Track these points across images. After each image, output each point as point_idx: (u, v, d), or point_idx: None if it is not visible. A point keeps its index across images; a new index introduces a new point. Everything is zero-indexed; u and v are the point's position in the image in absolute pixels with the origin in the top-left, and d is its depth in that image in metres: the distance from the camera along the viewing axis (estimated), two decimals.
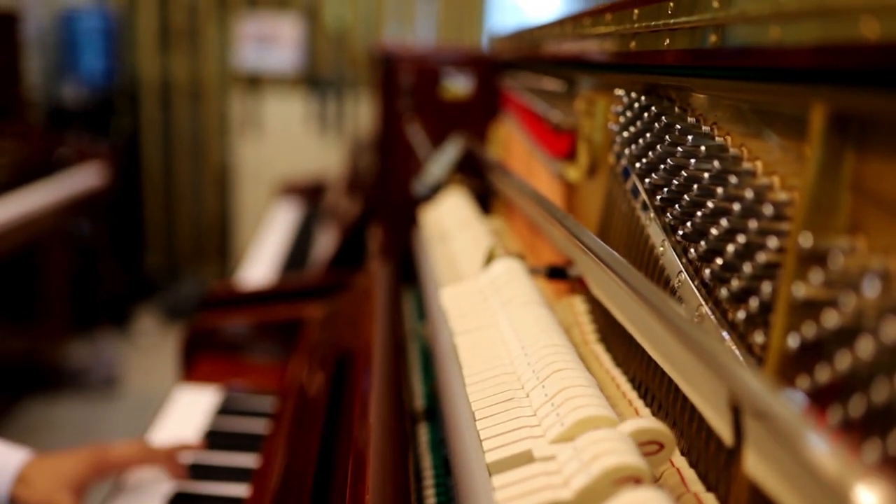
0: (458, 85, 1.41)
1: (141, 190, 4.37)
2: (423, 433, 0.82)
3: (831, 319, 0.36)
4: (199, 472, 1.06)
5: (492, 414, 0.56)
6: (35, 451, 1.03)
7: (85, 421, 3.02)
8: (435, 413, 0.86)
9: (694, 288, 0.54)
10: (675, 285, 0.57)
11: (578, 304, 0.79)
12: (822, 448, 0.31)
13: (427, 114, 1.42)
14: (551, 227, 0.85)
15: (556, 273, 0.81)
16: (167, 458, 1.02)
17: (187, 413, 1.25)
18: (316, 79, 4.11)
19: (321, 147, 3.87)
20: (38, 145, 3.17)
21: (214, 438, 1.16)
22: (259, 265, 2.09)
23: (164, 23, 4.31)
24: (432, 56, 1.42)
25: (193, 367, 1.43)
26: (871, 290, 0.34)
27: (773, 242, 0.43)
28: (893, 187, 0.35)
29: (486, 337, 0.69)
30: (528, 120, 1.12)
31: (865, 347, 0.34)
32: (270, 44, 3.93)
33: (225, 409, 1.26)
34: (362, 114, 3.98)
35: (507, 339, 0.67)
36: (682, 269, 0.56)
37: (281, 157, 3.85)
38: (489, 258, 0.82)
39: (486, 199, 1.36)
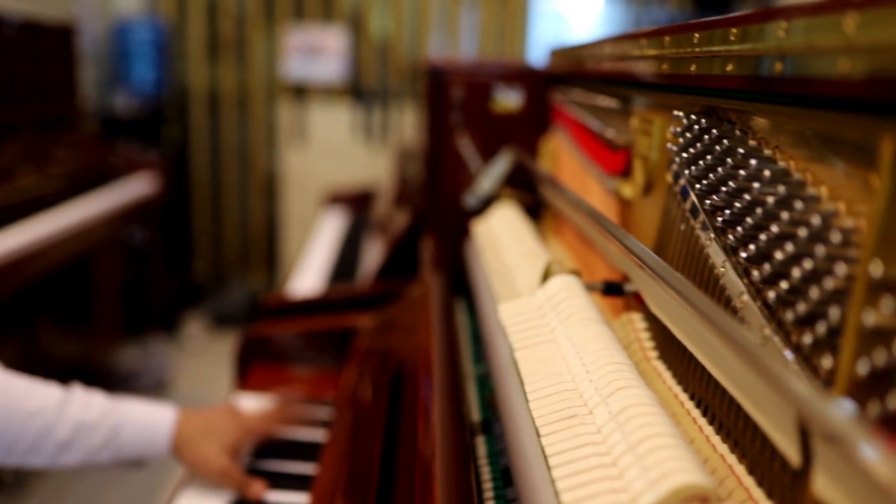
0: (509, 99, 1.42)
1: (189, 198, 4.45)
2: (481, 445, 0.83)
3: None
4: (260, 473, 1.08)
5: (556, 430, 0.57)
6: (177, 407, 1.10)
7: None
8: (491, 425, 0.87)
9: (757, 309, 0.55)
10: (737, 306, 0.58)
11: (637, 321, 0.80)
12: (894, 472, 0.32)
13: (477, 127, 1.44)
14: (606, 242, 0.86)
15: (613, 289, 0.82)
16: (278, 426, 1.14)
17: None
18: (361, 88, 4.16)
19: (366, 156, 3.91)
20: (93, 155, 3.25)
21: (270, 446, 1.18)
22: (308, 275, 2.12)
23: (212, 33, 4.39)
24: (482, 71, 1.44)
25: (247, 375, 1.46)
26: None
27: (840, 268, 0.44)
28: None
29: (546, 353, 0.71)
30: (580, 135, 1.13)
31: None
32: (316, 54, 3.99)
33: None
34: (407, 123, 4.02)
35: (566, 355, 0.68)
36: (745, 291, 0.57)
37: (326, 167, 3.89)
38: (546, 275, 0.83)
39: (535, 212, 1.37)
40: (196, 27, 4.34)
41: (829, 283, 0.44)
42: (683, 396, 0.68)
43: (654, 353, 0.76)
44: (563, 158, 1.30)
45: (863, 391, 0.41)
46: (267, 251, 4.58)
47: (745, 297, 0.56)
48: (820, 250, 0.46)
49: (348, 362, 1.34)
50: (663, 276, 0.63)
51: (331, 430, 1.13)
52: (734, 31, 0.56)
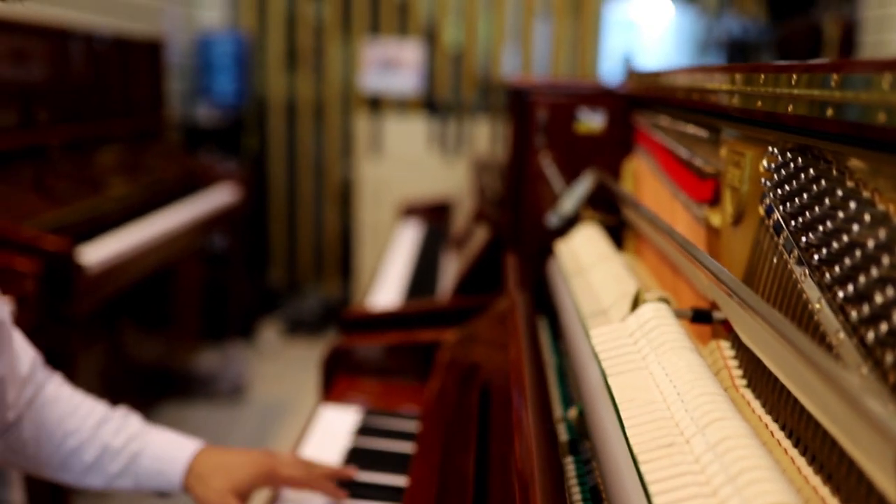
0: (592, 120, 1.45)
1: (266, 206, 4.57)
2: (570, 465, 0.86)
3: None
4: (347, 490, 1.13)
5: (654, 458, 0.60)
6: (205, 443, 1.11)
7: (214, 425, 3.19)
8: (578, 446, 0.90)
9: (853, 348, 0.56)
10: (833, 343, 0.60)
11: (725, 349, 0.82)
12: None
13: (560, 148, 1.47)
14: (693, 269, 0.88)
15: (702, 317, 0.84)
16: (326, 485, 1.09)
17: (330, 432, 1.33)
18: (435, 100, 4.22)
19: (440, 168, 3.96)
20: (179, 165, 3.38)
21: (357, 457, 1.23)
22: (386, 287, 2.17)
23: (290, 45, 4.52)
24: (565, 92, 1.46)
25: (332, 386, 1.51)
26: None
27: None
28: None
29: (639, 380, 0.73)
30: (665, 159, 1.15)
31: None
32: (392, 67, 4.06)
33: (365, 429, 1.33)
34: (480, 135, 4.06)
35: (660, 383, 0.70)
36: (841, 328, 0.58)
37: (401, 177, 3.96)
38: (636, 301, 0.86)
39: (616, 232, 1.39)
40: (275, 39, 4.46)
41: None
42: (773, 426, 0.70)
43: (742, 382, 0.78)
44: (645, 181, 1.31)
45: None
46: (341, 260, 4.67)
47: (842, 334, 0.58)
48: None
49: (432, 376, 1.38)
50: (757, 308, 0.65)
51: (419, 443, 1.17)
52: (835, 76, 0.58)
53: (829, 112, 0.58)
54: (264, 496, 1.14)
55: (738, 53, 6.59)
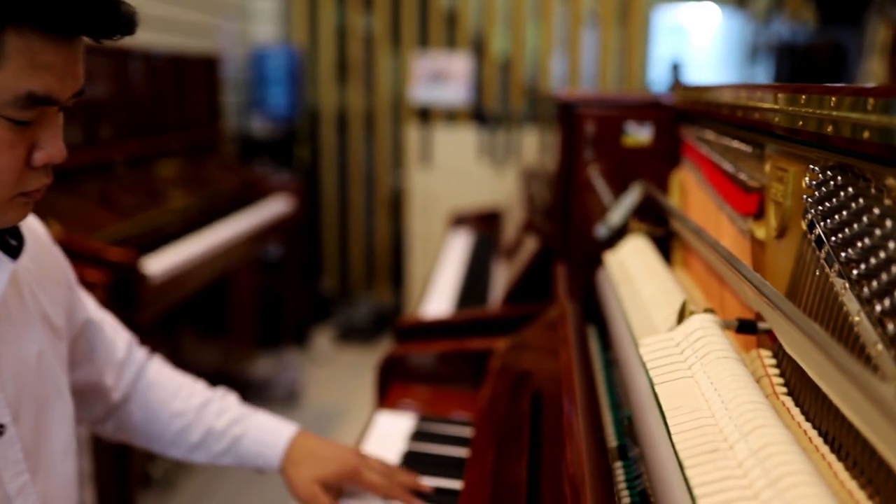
0: (640, 133, 1.48)
1: (319, 216, 4.67)
2: (619, 470, 0.89)
3: None
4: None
5: (699, 463, 0.63)
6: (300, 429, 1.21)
7: None
8: (626, 451, 0.93)
9: (891, 359, 0.59)
10: (871, 354, 0.62)
11: (767, 358, 0.85)
12: None
13: (608, 160, 1.50)
14: (738, 281, 0.91)
15: (747, 327, 0.87)
16: (405, 496, 1.14)
17: (386, 437, 1.38)
18: (483, 111, 4.27)
19: (490, 177, 4.01)
20: (235, 177, 3.48)
21: (412, 461, 1.28)
22: (437, 296, 2.22)
23: (341, 58, 4.61)
24: (613, 106, 1.50)
25: (387, 393, 1.56)
26: None
27: None
28: None
29: (685, 388, 0.76)
30: (711, 173, 1.18)
31: None
32: (441, 79, 4.11)
33: (419, 434, 1.38)
34: (529, 144, 4.10)
35: (705, 391, 0.74)
36: (879, 341, 0.61)
37: (450, 187, 4.01)
38: (682, 314, 0.89)
39: (664, 244, 1.41)
40: (326, 52, 4.56)
41: None
42: (812, 433, 0.73)
43: (782, 390, 0.80)
44: (692, 193, 1.34)
45: None
46: (392, 268, 4.74)
47: (880, 346, 0.61)
48: None
49: (484, 383, 1.43)
50: (798, 321, 0.68)
51: (472, 448, 1.21)
52: (871, 101, 0.61)
53: (866, 134, 0.61)
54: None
55: (788, 58, 6.52)
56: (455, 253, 2.73)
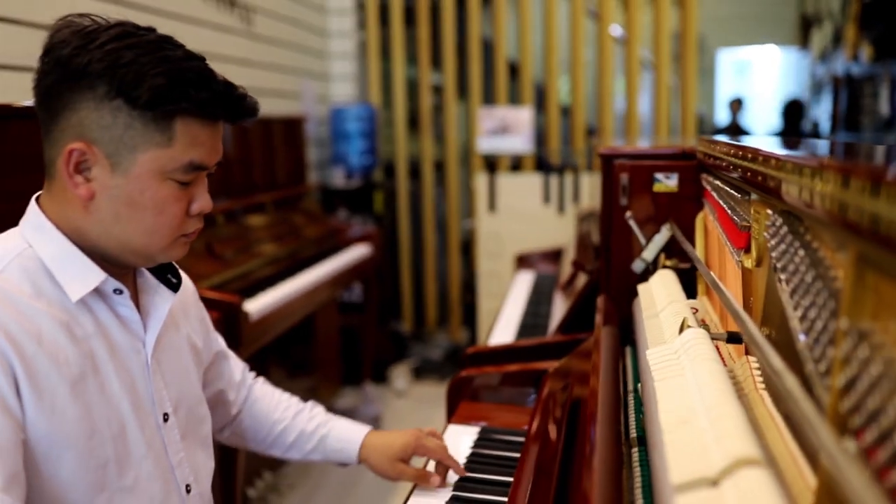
0: (668, 181, 1.71)
1: (396, 261, 4.98)
2: (635, 454, 1.12)
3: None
4: (469, 483, 1.42)
5: (673, 430, 0.87)
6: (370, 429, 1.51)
7: None
8: (644, 440, 1.16)
9: (817, 376, 0.80)
10: (808, 371, 0.83)
11: (752, 361, 1.07)
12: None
13: (641, 205, 1.74)
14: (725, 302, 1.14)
15: (734, 338, 1.10)
16: (454, 461, 1.45)
17: (455, 444, 1.63)
18: (546, 157, 4.53)
19: (553, 220, 4.24)
20: (318, 225, 3.81)
21: (476, 461, 1.53)
22: (502, 327, 2.47)
23: (413, 113, 4.96)
24: (645, 158, 1.74)
25: (457, 411, 1.81)
26: None
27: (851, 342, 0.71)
28: None
29: (678, 383, 1.00)
30: (721, 215, 1.41)
31: None
32: (506, 131, 4.40)
33: (482, 441, 1.62)
34: (589, 187, 4.33)
35: (690, 384, 0.97)
36: (812, 361, 0.82)
37: (516, 229, 4.26)
38: (682, 327, 1.12)
39: (691, 275, 1.64)
40: (399, 108, 4.91)
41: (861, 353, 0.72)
42: (779, 418, 0.95)
43: (762, 385, 1.03)
44: (711, 231, 1.57)
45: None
46: (464, 308, 5.01)
47: (811, 365, 0.83)
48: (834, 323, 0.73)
49: (538, 400, 1.66)
50: (752, 333, 0.91)
51: (522, 452, 1.45)
52: (788, 164, 0.84)
53: (799, 192, 0.85)
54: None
55: (847, 90, 6.62)
56: (519, 290, 2.97)
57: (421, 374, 4.65)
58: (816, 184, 0.75)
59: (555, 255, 3.35)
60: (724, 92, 9.40)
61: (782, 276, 0.92)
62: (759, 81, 10.08)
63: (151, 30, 1.06)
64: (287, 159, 3.82)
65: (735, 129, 8.14)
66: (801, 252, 0.85)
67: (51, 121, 1.03)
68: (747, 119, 8.93)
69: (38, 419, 0.99)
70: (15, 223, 1.11)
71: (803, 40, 8.90)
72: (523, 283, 3.12)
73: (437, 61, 4.89)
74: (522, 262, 3.45)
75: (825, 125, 7.60)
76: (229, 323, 2.28)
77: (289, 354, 3.67)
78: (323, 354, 3.92)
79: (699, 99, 4.79)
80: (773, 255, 0.97)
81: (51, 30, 1.04)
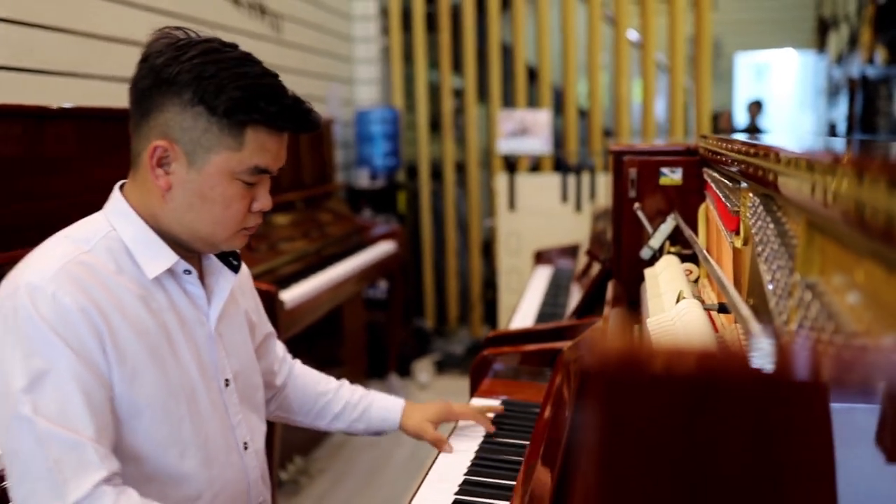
0: (673, 175, 1.86)
1: (418, 259, 5.15)
2: None
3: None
4: (494, 445, 1.58)
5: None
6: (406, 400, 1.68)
7: (377, 443, 3.72)
8: None
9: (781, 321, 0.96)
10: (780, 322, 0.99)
11: (741, 329, 1.22)
12: None
13: (648, 197, 1.89)
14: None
15: (724, 309, 1.25)
16: (483, 418, 1.63)
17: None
18: (564, 158, 4.68)
19: (570, 218, 4.39)
20: (345, 224, 3.98)
21: (497, 426, 1.68)
22: (521, 316, 2.62)
23: (435, 115, 5.13)
24: (652, 154, 1.89)
25: (479, 387, 1.97)
26: None
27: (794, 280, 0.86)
28: None
29: (671, 339, 1.14)
30: (718, 203, 1.56)
31: None
32: (525, 133, 4.55)
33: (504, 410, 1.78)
34: (603, 186, 4.48)
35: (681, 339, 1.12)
36: (782, 313, 0.98)
37: (535, 227, 4.41)
38: (679, 298, 1.27)
39: (695, 260, 1.78)
40: (421, 111, 5.08)
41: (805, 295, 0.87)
42: None
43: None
44: (711, 221, 1.71)
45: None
46: (484, 306, 5.16)
47: (778, 320, 0.98)
48: (791, 278, 0.88)
49: (552, 376, 1.82)
50: (735, 303, 1.06)
51: (537, 420, 1.60)
52: (773, 154, 0.99)
53: (771, 178, 1.00)
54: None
55: (862, 92, 6.72)
56: (538, 283, 3.12)
57: (443, 367, 4.81)
58: (783, 168, 0.90)
59: (572, 251, 3.49)
60: (742, 95, 9.51)
61: (759, 249, 1.06)
62: (777, 84, 10.17)
63: (234, 46, 1.22)
64: (315, 160, 4.00)
65: (753, 131, 8.26)
66: (772, 226, 1.00)
67: (141, 119, 1.20)
68: (766, 121, 9.04)
69: (121, 381, 1.15)
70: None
71: (820, 43, 8.99)
72: (542, 277, 3.26)
73: (458, 65, 5.05)
74: (541, 257, 3.60)
75: (841, 127, 7.69)
76: (267, 310, 2.45)
77: (318, 348, 3.84)
78: (350, 348, 4.08)
79: (716, 101, 4.91)
80: (754, 231, 1.12)
81: (149, 39, 1.20)
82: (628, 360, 0.44)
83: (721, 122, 8.17)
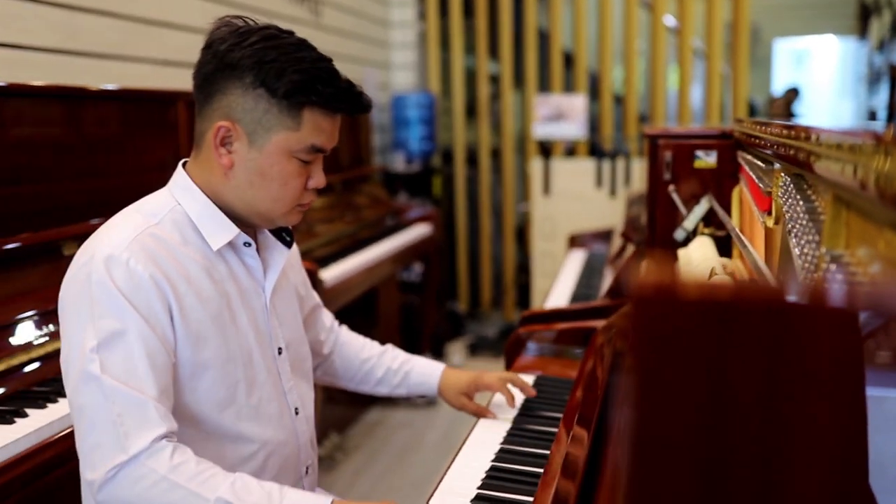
0: (707, 158, 1.89)
1: (453, 242, 5.20)
2: None
3: None
4: (528, 417, 1.63)
5: None
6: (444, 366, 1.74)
7: (411, 423, 3.79)
8: None
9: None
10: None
11: None
12: None
13: (683, 180, 1.92)
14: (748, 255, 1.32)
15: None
16: (520, 381, 1.70)
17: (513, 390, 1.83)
18: (599, 143, 4.70)
19: (605, 203, 4.42)
20: (382, 206, 4.05)
21: (532, 401, 1.73)
22: (555, 297, 2.67)
23: (471, 100, 5.17)
24: (687, 137, 1.92)
25: (514, 364, 2.02)
26: None
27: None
28: None
29: None
30: (751, 185, 1.59)
31: None
32: (560, 118, 4.58)
33: (538, 386, 1.83)
34: (638, 171, 4.49)
35: None
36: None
37: (570, 212, 4.44)
38: (710, 275, 1.31)
39: (728, 241, 1.82)
40: (457, 96, 5.12)
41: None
42: None
43: None
44: (745, 202, 1.74)
45: None
46: (517, 290, 5.20)
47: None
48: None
49: (588, 349, 1.86)
50: (763, 272, 1.09)
51: (571, 394, 1.65)
52: (811, 135, 1.03)
53: (802, 156, 1.03)
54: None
55: None
56: (572, 266, 3.16)
57: (476, 350, 4.86)
58: (815, 147, 0.94)
59: (606, 235, 3.53)
60: (780, 81, 9.41)
61: (789, 226, 1.10)
62: (817, 71, 10.05)
63: (291, 33, 1.28)
64: (352, 144, 4.06)
65: (788, 117, 8.17)
66: (802, 203, 1.03)
67: (205, 101, 1.27)
68: (803, 108, 8.95)
69: (184, 345, 1.23)
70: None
71: (862, 30, 8.85)
72: (576, 260, 3.30)
73: (494, 51, 5.08)
74: (575, 241, 3.64)
75: (882, 114, 7.59)
76: None
77: (354, 328, 3.91)
78: (384, 330, 4.15)
79: (754, 88, 4.89)
80: (785, 209, 1.16)
81: (212, 26, 1.27)
82: (668, 288, 0.50)
83: (773, 108, 8.13)
